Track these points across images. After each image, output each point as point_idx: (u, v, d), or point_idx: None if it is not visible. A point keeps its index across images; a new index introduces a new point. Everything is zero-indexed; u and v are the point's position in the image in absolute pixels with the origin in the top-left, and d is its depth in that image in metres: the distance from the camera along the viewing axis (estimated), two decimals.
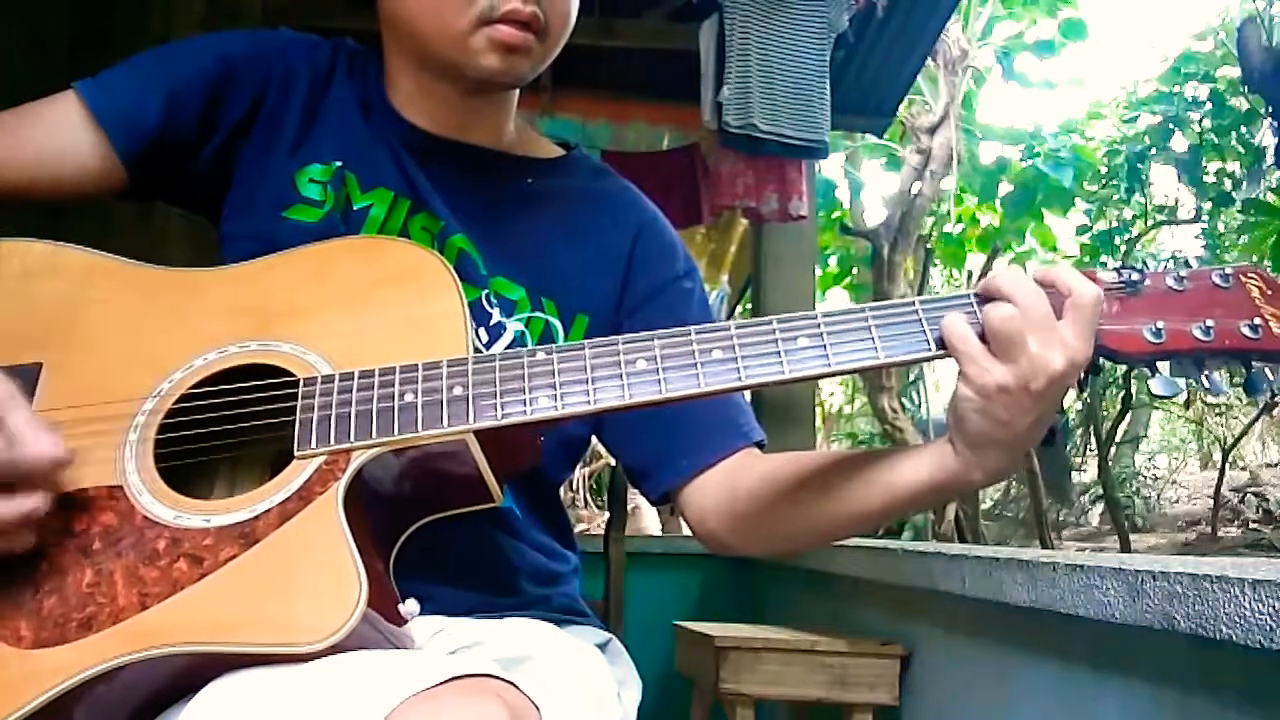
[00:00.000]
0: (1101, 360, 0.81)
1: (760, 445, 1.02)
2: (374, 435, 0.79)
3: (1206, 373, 0.80)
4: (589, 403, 0.79)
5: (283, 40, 1.04)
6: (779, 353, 0.80)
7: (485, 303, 0.97)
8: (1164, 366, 0.81)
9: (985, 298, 0.78)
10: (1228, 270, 0.81)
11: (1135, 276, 0.81)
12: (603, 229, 1.05)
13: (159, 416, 0.83)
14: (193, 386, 0.84)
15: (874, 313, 0.81)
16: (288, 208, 0.97)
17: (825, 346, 0.80)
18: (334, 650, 0.68)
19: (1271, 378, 0.80)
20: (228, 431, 0.83)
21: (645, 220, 1.07)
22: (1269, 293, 0.80)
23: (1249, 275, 0.81)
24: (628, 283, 1.03)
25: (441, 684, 0.65)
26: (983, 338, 0.77)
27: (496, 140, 1.05)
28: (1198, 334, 0.78)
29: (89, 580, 0.75)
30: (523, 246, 1.01)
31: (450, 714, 0.63)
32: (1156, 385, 0.81)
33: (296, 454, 0.79)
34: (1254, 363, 0.79)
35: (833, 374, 0.81)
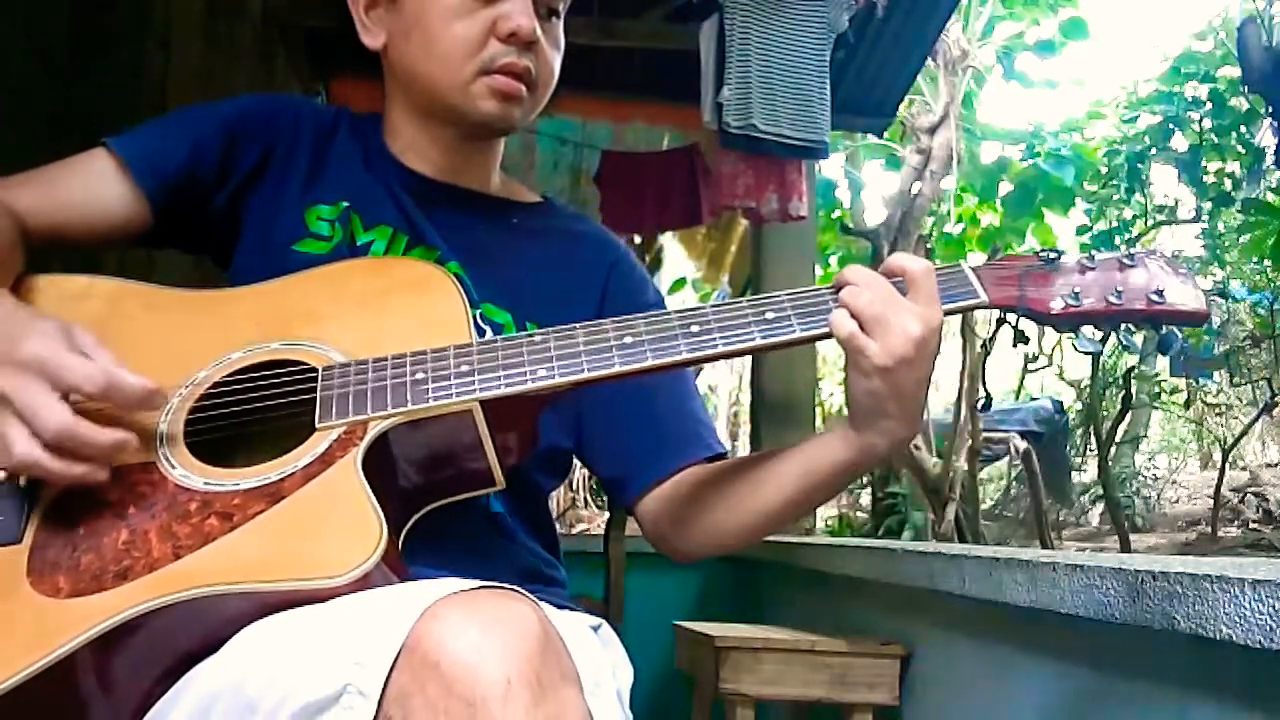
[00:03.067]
0: (1019, 320, 0.95)
1: (721, 458, 1.11)
2: (389, 407, 0.85)
3: (1123, 334, 0.93)
4: (583, 372, 0.87)
5: (291, 101, 1.17)
6: (750, 324, 0.90)
7: (479, 322, 1.03)
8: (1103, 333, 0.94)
9: (839, 286, 0.92)
10: (1133, 253, 0.95)
11: (1052, 256, 0.95)
12: (579, 263, 1.17)
13: (189, 402, 0.89)
14: (220, 380, 0.91)
15: (830, 289, 0.92)
16: (298, 241, 1.07)
17: (791, 318, 0.91)
18: (361, 588, 0.73)
19: (1180, 336, 0.95)
20: (252, 418, 0.89)
21: (618, 257, 1.20)
22: (1168, 270, 0.94)
23: (1151, 256, 0.95)
24: (602, 312, 1.11)
25: (478, 589, 0.71)
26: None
27: (485, 185, 1.17)
28: (1111, 298, 0.93)
29: (124, 539, 0.79)
30: (509, 276, 1.10)
31: (486, 608, 0.68)
32: (1080, 343, 0.95)
33: (318, 426, 0.85)
34: (1163, 325, 0.93)
35: (799, 341, 0.91)
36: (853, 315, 0.89)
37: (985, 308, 0.94)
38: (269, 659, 0.71)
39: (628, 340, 0.89)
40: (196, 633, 0.75)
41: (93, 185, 1.05)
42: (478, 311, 1.04)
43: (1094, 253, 0.96)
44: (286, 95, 1.21)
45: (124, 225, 1.06)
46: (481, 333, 1.01)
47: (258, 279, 1.02)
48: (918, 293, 0.90)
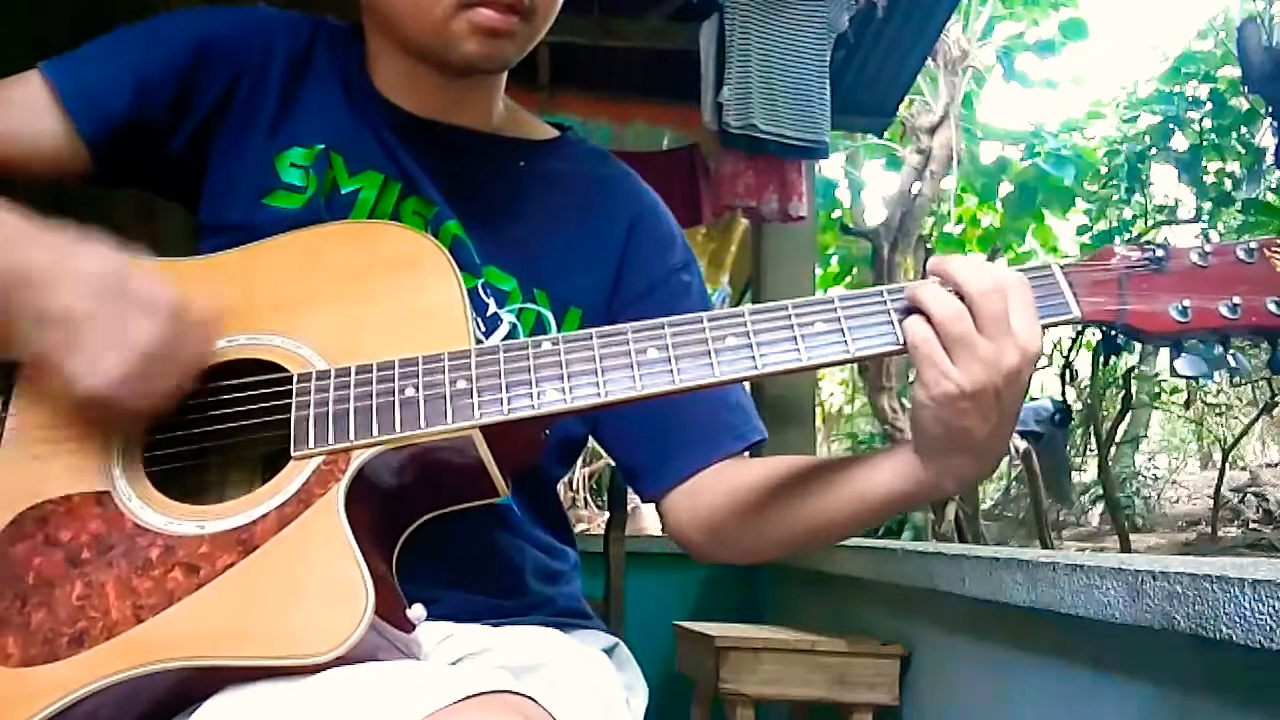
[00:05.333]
0: (1123, 339, 0.80)
1: (759, 445, 1.00)
2: (375, 433, 0.75)
3: (1232, 353, 0.79)
4: (599, 395, 0.75)
5: (260, 18, 0.98)
6: (795, 339, 0.76)
7: (481, 293, 0.93)
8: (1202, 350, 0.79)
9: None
10: (1252, 244, 0.79)
11: (1160, 254, 0.78)
12: (596, 217, 1.00)
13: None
14: None
15: (891, 296, 0.78)
16: (268, 194, 0.93)
17: (843, 331, 0.76)
18: (341, 661, 0.66)
19: None
20: (219, 431, 0.79)
21: (642, 209, 1.03)
22: None
23: (1273, 249, 0.79)
24: (621, 275, 0.99)
25: (460, 701, 0.63)
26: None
27: (485, 122, 1.00)
28: (1224, 312, 0.77)
29: (79, 593, 0.71)
30: (514, 234, 0.97)
31: None
32: (1183, 365, 0.79)
33: (294, 454, 0.75)
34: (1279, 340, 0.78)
35: (851, 360, 0.77)
36: (931, 322, 0.75)
37: (1077, 323, 0.78)
38: None
39: (651, 355, 0.76)
40: (161, 697, 0.70)
41: (26, 117, 0.89)
42: (480, 281, 0.93)
43: (1206, 240, 0.79)
44: (254, 11, 1.00)
45: (59, 162, 0.91)
46: (483, 306, 0.92)
47: (227, 236, 0.90)
48: (1017, 311, 0.75)
